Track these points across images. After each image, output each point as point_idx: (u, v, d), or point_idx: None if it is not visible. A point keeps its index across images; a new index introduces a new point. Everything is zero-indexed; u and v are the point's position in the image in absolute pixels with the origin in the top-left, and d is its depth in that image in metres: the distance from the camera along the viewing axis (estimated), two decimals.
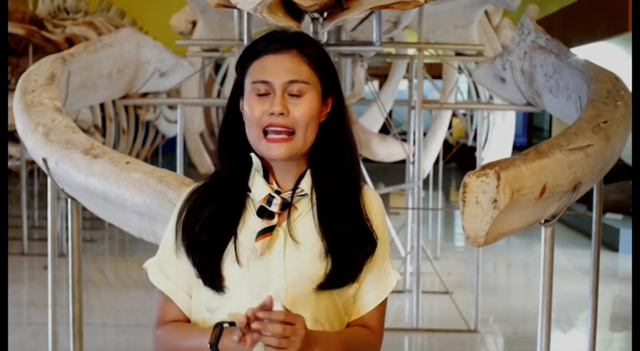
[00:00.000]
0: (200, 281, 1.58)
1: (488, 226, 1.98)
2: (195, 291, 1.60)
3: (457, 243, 8.27)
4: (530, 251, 7.61)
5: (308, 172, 1.59)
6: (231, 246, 1.55)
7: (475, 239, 2.01)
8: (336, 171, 1.59)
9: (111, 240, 7.85)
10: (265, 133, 1.54)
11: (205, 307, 1.59)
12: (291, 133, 1.54)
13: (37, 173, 8.06)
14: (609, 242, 7.47)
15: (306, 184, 1.59)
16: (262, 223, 1.55)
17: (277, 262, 1.55)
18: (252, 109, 1.54)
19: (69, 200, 2.72)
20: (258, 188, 1.58)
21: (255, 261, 1.55)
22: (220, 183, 1.60)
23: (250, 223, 1.57)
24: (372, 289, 1.62)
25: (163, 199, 2.20)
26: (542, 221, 2.44)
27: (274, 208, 1.56)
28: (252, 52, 1.58)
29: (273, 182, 1.58)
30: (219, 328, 1.49)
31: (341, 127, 1.61)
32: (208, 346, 1.47)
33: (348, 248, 1.56)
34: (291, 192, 1.58)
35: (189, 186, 1.71)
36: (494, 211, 1.96)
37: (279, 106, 1.52)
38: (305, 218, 1.58)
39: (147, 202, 2.24)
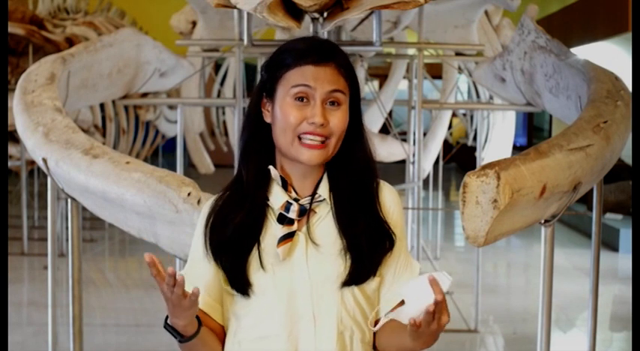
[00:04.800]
0: (228, 288, 1.61)
1: (488, 226, 1.98)
2: (224, 299, 1.64)
3: (457, 243, 8.27)
4: (530, 251, 7.60)
5: (325, 177, 1.64)
6: (255, 253, 1.59)
7: (475, 239, 2.01)
8: (351, 173, 1.64)
9: (111, 240, 7.85)
10: (299, 138, 1.57)
11: (232, 313, 1.63)
12: (324, 141, 1.58)
13: (37, 173, 8.06)
14: (609, 242, 7.47)
15: (324, 189, 1.63)
16: (283, 230, 1.60)
17: (300, 266, 1.59)
18: (288, 115, 1.57)
19: (69, 200, 2.72)
20: (276, 196, 1.62)
21: (279, 266, 1.59)
22: (246, 192, 1.63)
23: (272, 231, 1.61)
24: (395, 284, 1.65)
25: (163, 199, 2.20)
26: (542, 221, 2.44)
27: (292, 214, 1.60)
28: (287, 61, 1.59)
29: (291, 190, 1.62)
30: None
31: (359, 134, 1.65)
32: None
33: (367, 244, 1.60)
34: (309, 198, 1.62)
35: (189, 186, 1.72)
36: (494, 211, 1.96)
37: (321, 117, 1.56)
38: (324, 221, 1.63)
39: (147, 202, 2.24)
